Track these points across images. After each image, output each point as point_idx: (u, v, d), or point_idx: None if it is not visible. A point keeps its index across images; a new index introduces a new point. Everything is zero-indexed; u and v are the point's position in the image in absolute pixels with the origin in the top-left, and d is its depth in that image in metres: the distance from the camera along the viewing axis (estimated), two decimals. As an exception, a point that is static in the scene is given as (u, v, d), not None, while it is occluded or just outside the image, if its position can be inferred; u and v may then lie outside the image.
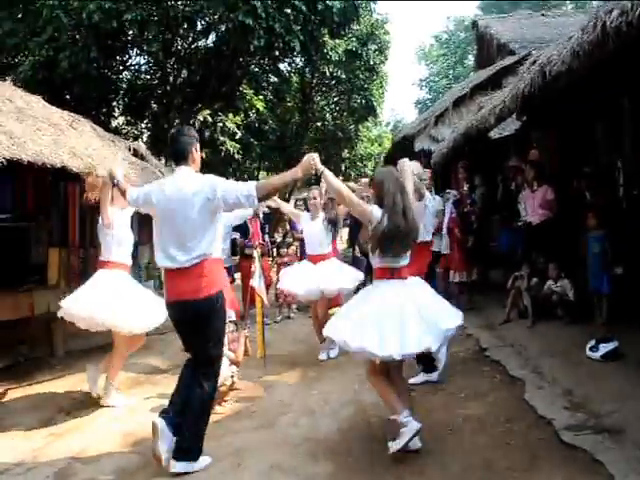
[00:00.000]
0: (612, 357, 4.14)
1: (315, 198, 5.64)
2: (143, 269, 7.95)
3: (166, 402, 3.39)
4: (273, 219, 10.93)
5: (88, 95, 11.15)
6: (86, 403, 4.50)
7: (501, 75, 9.73)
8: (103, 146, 6.63)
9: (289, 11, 10.93)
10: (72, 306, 4.27)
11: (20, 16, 11.18)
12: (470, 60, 29.27)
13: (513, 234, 6.66)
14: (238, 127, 11.98)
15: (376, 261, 3.37)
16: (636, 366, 3.94)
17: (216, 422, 3.82)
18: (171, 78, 12.55)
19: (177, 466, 3.17)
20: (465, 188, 7.23)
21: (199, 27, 12.22)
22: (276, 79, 14.81)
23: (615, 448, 2.98)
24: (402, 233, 3.24)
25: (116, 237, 4.42)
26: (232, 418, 4.11)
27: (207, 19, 12.00)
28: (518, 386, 4.15)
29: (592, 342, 4.32)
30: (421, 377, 4.45)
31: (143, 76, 13.48)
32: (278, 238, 9.98)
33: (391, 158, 12.94)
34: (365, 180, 5.86)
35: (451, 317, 3.37)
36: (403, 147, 11.13)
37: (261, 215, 6.86)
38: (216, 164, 12.42)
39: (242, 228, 6.81)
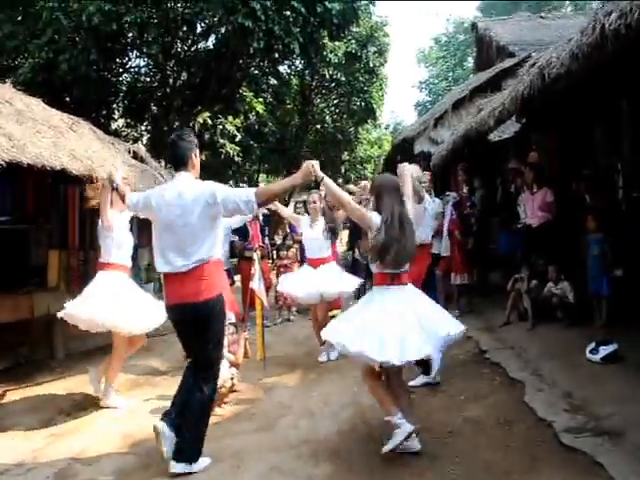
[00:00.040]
0: (612, 359, 4.13)
1: (315, 202, 5.65)
2: (143, 271, 7.95)
3: (166, 404, 3.41)
4: (273, 221, 10.91)
5: (88, 97, 11.13)
6: (86, 404, 4.52)
7: (500, 77, 9.78)
8: (103, 148, 6.64)
9: (288, 13, 10.92)
10: (74, 308, 4.29)
11: (20, 18, 11.17)
12: (469, 62, 29.27)
13: (513, 236, 6.65)
14: (238, 129, 11.95)
15: (376, 268, 3.39)
16: (636, 368, 3.93)
17: (216, 424, 3.82)
18: (171, 80, 12.54)
19: (177, 467, 3.18)
20: (465, 190, 7.23)
21: (199, 29, 12.22)
22: (276, 81, 14.79)
23: (615, 450, 2.98)
24: (400, 245, 3.25)
25: (116, 239, 4.46)
26: (232, 420, 4.11)
27: (207, 21, 12.01)
28: (518, 388, 4.15)
29: (592, 344, 4.31)
30: (421, 379, 4.45)
31: (143, 78, 13.46)
32: (278, 240, 9.95)
33: (391, 160, 12.98)
34: (364, 183, 5.86)
35: (451, 325, 3.37)
36: (403, 149, 11.14)
37: (261, 217, 6.85)
38: (216, 166, 12.40)
39: (242, 230, 6.80)
